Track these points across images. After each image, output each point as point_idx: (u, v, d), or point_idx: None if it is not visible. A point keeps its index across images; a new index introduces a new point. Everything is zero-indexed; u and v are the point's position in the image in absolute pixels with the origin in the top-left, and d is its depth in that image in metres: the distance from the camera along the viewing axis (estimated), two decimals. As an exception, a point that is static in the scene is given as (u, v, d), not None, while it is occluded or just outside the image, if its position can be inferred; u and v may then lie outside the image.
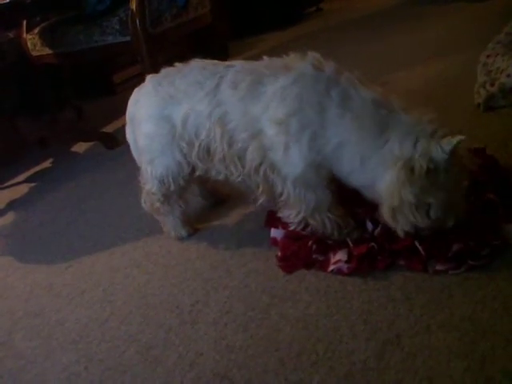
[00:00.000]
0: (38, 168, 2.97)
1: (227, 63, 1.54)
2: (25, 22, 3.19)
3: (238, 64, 1.50)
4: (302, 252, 1.43)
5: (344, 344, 1.16)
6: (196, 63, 1.59)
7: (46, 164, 3.00)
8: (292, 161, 1.36)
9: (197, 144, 1.51)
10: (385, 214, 1.30)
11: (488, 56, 2.39)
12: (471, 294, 1.20)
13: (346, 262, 1.36)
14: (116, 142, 2.82)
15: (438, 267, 1.28)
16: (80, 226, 2.07)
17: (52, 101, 3.62)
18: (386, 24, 3.99)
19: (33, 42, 3.14)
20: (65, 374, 1.31)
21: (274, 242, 1.52)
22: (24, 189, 2.69)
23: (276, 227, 1.53)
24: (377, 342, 1.15)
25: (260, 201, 1.50)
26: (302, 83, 1.34)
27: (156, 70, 2.80)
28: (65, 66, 3.50)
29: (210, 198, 1.89)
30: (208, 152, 1.52)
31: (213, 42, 3.67)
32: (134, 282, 1.60)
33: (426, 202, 1.24)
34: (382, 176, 1.27)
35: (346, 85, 1.32)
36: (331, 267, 1.37)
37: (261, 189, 1.46)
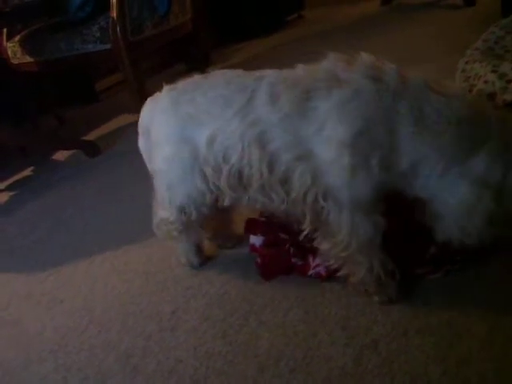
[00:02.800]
0: (18, 176, 2.94)
1: (255, 74, 1.33)
2: (5, 30, 3.19)
3: (269, 75, 1.30)
4: (280, 257, 1.44)
5: (322, 350, 1.17)
6: (217, 76, 1.40)
7: (27, 172, 2.98)
8: (357, 186, 1.19)
9: (226, 169, 1.32)
10: (447, 225, 1.19)
11: (466, 62, 2.41)
12: (447, 299, 1.22)
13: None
14: (97, 150, 2.81)
15: (418, 271, 1.30)
16: (60, 235, 2.06)
17: (33, 108, 3.61)
18: (365, 32, 4.01)
19: (13, 50, 3.13)
20: (43, 384, 1.31)
21: (253, 248, 1.52)
22: (4, 197, 2.67)
23: (255, 234, 1.53)
24: (354, 347, 1.15)
25: (305, 232, 1.30)
26: (364, 98, 1.15)
27: (138, 78, 2.84)
28: (46, 74, 3.48)
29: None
30: (240, 178, 1.32)
31: (194, 50, 3.67)
32: (113, 290, 1.60)
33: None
34: (457, 190, 1.15)
35: (414, 96, 1.14)
36: (310, 272, 1.39)
37: (308, 218, 1.27)
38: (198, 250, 1.59)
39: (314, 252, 1.38)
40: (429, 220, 1.22)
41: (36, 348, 1.44)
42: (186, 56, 4.15)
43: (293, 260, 1.42)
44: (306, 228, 1.28)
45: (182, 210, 1.44)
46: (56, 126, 3.68)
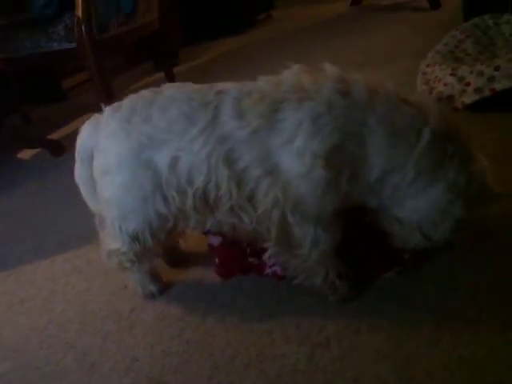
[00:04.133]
0: (-19, 175, 2.92)
1: (215, 88, 1.25)
2: (-32, 27, 3.15)
3: (230, 89, 1.23)
4: (238, 257, 1.45)
5: (276, 348, 1.20)
6: (172, 90, 1.30)
7: (-10, 171, 2.96)
8: (326, 200, 1.17)
9: (191, 193, 1.23)
10: (410, 231, 1.21)
11: (427, 65, 2.47)
12: (398, 297, 1.25)
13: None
14: (62, 149, 2.79)
15: (371, 271, 1.34)
16: (23, 234, 2.05)
17: (-2, 107, 3.57)
18: (333, 32, 4.07)
19: (-23, 47, 3.09)
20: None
21: (212, 248, 1.52)
22: (-33, 196, 2.65)
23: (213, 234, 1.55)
24: (307, 345, 1.18)
25: (270, 251, 1.27)
26: (336, 112, 1.12)
27: (104, 77, 2.83)
28: (11, 72, 3.45)
29: None
30: (206, 201, 1.24)
31: (163, 49, 3.67)
32: (73, 289, 1.60)
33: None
34: (430, 194, 1.16)
35: (385, 110, 1.13)
36: (267, 271, 1.41)
37: (273, 234, 1.22)
38: (154, 276, 1.49)
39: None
40: (387, 226, 1.25)
41: (-6, 348, 1.44)
42: (153, 55, 4.15)
43: (250, 259, 1.44)
44: (271, 244, 1.25)
45: (135, 237, 1.33)
46: (21, 125, 3.65)
